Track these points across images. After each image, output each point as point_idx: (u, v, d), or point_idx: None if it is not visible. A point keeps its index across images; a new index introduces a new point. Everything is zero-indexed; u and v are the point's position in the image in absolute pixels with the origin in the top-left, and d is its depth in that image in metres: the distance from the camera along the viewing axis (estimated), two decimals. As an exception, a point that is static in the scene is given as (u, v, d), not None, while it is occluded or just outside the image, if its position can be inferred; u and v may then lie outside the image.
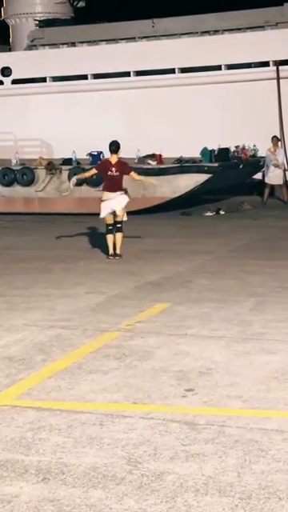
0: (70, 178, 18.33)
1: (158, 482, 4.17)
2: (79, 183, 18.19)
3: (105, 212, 11.77)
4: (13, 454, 4.61)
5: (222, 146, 18.18)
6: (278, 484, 4.12)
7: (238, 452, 4.53)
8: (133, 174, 12.10)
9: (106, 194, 11.78)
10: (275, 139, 19.29)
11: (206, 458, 4.47)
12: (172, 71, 21.64)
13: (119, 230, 11.77)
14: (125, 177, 11.98)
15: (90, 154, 18.34)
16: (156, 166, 17.88)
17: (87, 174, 12.84)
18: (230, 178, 18.31)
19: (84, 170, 17.84)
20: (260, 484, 4.12)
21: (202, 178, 17.42)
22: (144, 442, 4.71)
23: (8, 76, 23.68)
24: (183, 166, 17.80)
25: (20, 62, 23.71)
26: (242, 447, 4.59)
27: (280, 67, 20.38)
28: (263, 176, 19.59)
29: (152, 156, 18.07)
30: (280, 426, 4.93)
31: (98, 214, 12.09)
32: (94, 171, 12.57)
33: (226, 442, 4.68)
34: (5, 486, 4.19)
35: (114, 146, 11.88)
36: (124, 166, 11.95)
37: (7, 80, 23.72)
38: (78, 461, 4.48)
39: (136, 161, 17.85)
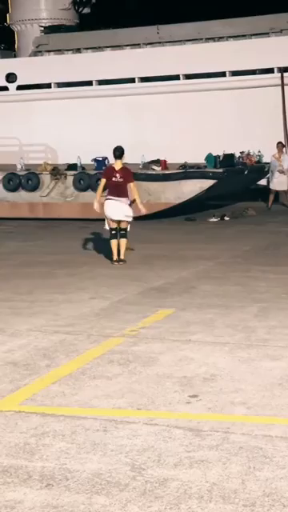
0: (74, 184, 18.45)
1: (162, 489, 4.16)
2: (83, 188, 18.27)
3: (107, 212, 11.67)
4: (16, 459, 4.60)
5: (227, 152, 18.18)
6: (283, 491, 4.10)
7: (242, 459, 4.51)
8: (132, 185, 11.82)
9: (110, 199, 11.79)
10: (280, 145, 19.30)
11: (210, 464, 4.45)
12: (176, 77, 21.67)
13: (123, 235, 11.77)
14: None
15: (95, 160, 18.36)
16: (160, 172, 17.88)
17: (101, 188, 11.89)
18: (234, 184, 18.30)
19: (89, 176, 17.99)
20: (264, 491, 4.11)
21: (206, 183, 17.41)
22: (148, 448, 4.70)
23: (13, 82, 23.74)
24: (188, 171, 17.80)
25: (25, 67, 23.78)
26: (247, 454, 4.58)
27: (284, 74, 20.39)
28: (268, 182, 19.59)
29: (157, 161, 18.08)
30: (284, 432, 4.91)
31: (103, 220, 12.07)
32: (104, 181, 11.89)
33: (230, 448, 4.66)
34: (8, 492, 4.18)
35: (119, 152, 11.87)
36: (128, 174, 11.89)
37: (12, 86, 23.78)
38: (82, 467, 4.46)
39: (140, 166, 17.87)
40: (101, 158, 18.01)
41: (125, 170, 11.87)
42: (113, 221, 11.73)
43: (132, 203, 11.95)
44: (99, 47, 23.24)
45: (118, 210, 11.67)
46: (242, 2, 26.46)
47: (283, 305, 8.62)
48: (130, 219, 11.84)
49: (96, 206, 11.85)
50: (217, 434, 4.89)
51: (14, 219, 18.48)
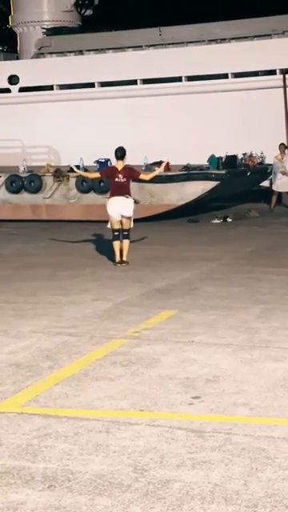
0: (77, 186, 18.47)
1: (164, 490, 4.16)
2: (86, 190, 18.29)
3: (112, 211, 11.73)
4: (19, 461, 4.61)
5: (230, 154, 18.19)
6: (285, 492, 4.10)
7: (244, 460, 4.52)
8: (142, 175, 12.20)
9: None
10: (282, 147, 19.30)
11: (213, 465, 4.45)
12: (179, 79, 21.68)
13: (126, 236, 11.78)
14: (133, 185, 11.98)
15: (98, 162, 18.37)
16: (163, 174, 17.87)
17: (90, 175, 13.14)
18: (237, 186, 18.30)
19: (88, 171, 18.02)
20: (266, 492, 4.11)
21: (209, 185, 17.42)
22: (150, 449, 4.70)
23: (15, 84, 23.76)
24: (190, 173, 17.81)
25: (27, 69, 23.79)
26: (249, 455, 4.58)
27: (287, 75, 20.39)
28: (270, 183, 19.59)
29: (159, 163, 18.07)
30: (287, 433, 4.91)
31: (106, 221, 12.09)
32: (97, 175, 12.91)
33: (233, 449, 4.66)
34: (11, 494, 4.18)
35: (120, 153, 11.89)
36: (131, 171, 11.95)
37: (15, 88, 23.81)
38: (84, 468, 4.47)
39: (143, 168, 17.85)
40: (103, 160, 18.01)
41: (127, 169, 11.90)
42: (115, 224, 11.75)
43: (136, 203, 12.03)
44: (101, 49, 23.24)
45: (120, 207, 11.69)
46: (245, 3, 26.47)
47: (286, 306, 8.62)
48: (131, 213, 11.82)
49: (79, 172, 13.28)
50: (219, 435, 4.89)
51: (17, 221, 18.50)
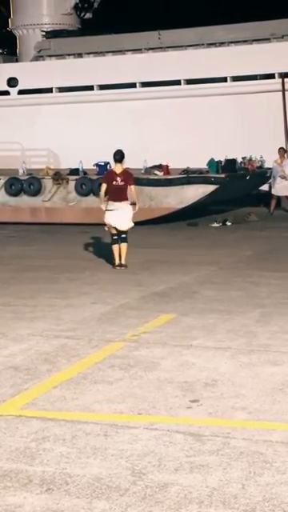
0: (76, 189, 18.48)
1: (162, 494, 4.16)
2: (85, 193, 18.30)
3: (109, 221, 11.73)
4: (17, 464, 4.61)
5: (229, 157, 18.21)
6: (283, 496, 4.10)
7: (242, 464, 4.51)
8: (133, 188, 11.84)
9: (111, 204, 11.77)
10: (282, 151, 19.33)
11: (211, 469, 4.45)
12: (178, 83, 21.71)
13: (124, 240, 11.78)
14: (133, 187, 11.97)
15: (97, 164, 18.38)
16: (163, 177, 17.90)
17: (103, 193, 11.80)
18: (236, 189, 18.31)
19: (91, 180, 18.02)
20: (264, 496, 4.11)
21: (208, 188, 17.43)
22: (148, 452, 4.70)
23: (14, 86, 23.79)
24: (190, 176, 17.81)
25: (26, 72, 23.81)
26: (247, 459, 4.58)
27: (285, 79, 20.43)
28: (270, 187, 19.61)
29: (159, 167, 18.09)
30: (285, 437, 4.91)
31: (105, 224, 12.08)
32: (104, 186, 11.86)
33: (231, 453, 4.66)
34: (8, 497, 4.18)
35: (119, 156, 11.88)
36: (129, 177, 11.93)
37: (14, 90, 23.83)
38: (82, 471, 4.47)
39: (143, 171, 17.88)
40: (103, 163, 18.02)
41: (125, 173, 11.89)
42: (113, 229, 11.74)
43: (133, 204, 11.99)
44: (101, 52, 23.27)
45: (119, 220, 11.67)
46: (244, 7, 26.52)
47: (285, 310, 8.62)
48: (132, 225, 11.85)
49: (104, 208, 11.80)
50: (217, 438, 4.89)
51: (16, 224, 18.50)
